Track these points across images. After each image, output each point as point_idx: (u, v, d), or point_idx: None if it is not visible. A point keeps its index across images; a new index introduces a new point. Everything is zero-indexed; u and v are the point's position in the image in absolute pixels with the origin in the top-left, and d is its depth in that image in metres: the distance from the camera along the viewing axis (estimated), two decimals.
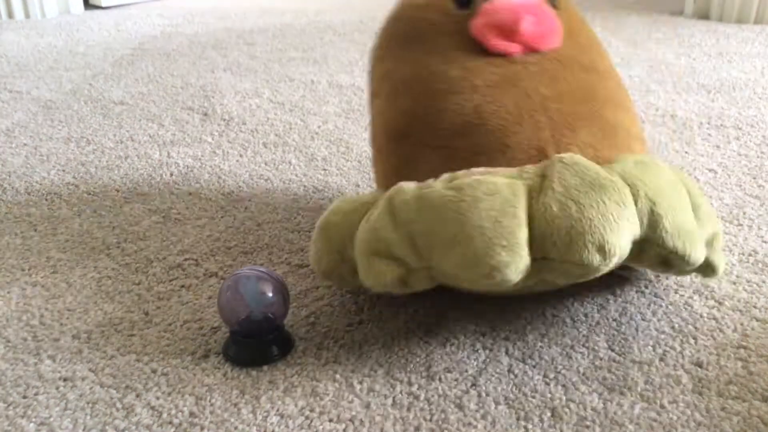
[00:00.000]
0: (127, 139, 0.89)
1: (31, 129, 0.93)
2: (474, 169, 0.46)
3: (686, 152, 0.83)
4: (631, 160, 0.46)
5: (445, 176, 0.46)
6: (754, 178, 0.76)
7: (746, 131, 0.89)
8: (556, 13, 0.54)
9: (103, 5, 1.64)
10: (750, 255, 0.61)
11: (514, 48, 0.51)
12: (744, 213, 0.69)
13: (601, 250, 0.42)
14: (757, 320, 0.53)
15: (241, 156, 0.84)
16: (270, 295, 0.50)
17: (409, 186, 0.46)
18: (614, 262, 0.43)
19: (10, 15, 1.57)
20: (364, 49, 1.28)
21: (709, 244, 0.48)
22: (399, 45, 0.54)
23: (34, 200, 0.74)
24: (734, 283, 0.57)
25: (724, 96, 1.01)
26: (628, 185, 0.44)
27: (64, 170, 0.81)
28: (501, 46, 0.51)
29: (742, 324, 0.52)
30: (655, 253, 0.44)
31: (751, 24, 1.42)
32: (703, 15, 1.48)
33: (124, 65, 1.19)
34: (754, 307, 0.54)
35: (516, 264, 0.42)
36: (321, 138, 0.89)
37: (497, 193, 0.43)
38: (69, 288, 0.58)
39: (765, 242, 0.63)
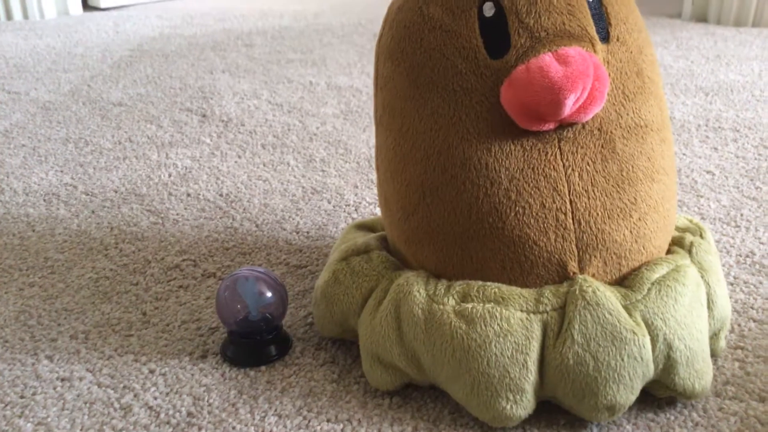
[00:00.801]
0: (125, 140, 0.89)
1: (29, 130, 0.93)
2: (489, 285, 0.44)
3: (684, 154, 0.83)
4: (656, 283, 0.44)
5: (458, 287, 0.44)
6: (752, 180, 0.76)
7: (744, 133, 0.89)
8: (606, 48, 0.46)
9: (102, 7, 1.64)
10: (747, 256, 0.61)
11: (547, 126, 0.44)
12: (741, 215, 0.69)
13: (611, 409, 0.42)
14: (755, 321, 0.53)
15: (239, 157, 0.84)
16: (268, 295, 0.50)
17: (419, 291, 0.44)
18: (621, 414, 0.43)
19: (9, 16, 1.57)
20: (362, 51, 1.28)
21: (716, 334, 0.48)
22: (414, 81, 0.47)
23: (32, 201, 0.74)
24: (732, 284, 0.57)
25: (722, 98, 1.01)
26: (648, 328, 0.42)
27: (62, 171, 0.81)
28: (533, 127, 0.44)
29: (739, 325, 0.52)
30: (662, 389, 0.44)
31: (749, 27, 1.42)
32: (701, 18, 1.48)
33: (123, 67, 1.19)
34: (752, 308, 0.54)
35: (520, 413, 0.42)
36: (319, 139, 0.89)
37: (509, 334, 0.42)
38: (67, 288, 0.58)
39: (762, 244, 0.63)
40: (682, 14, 1.51)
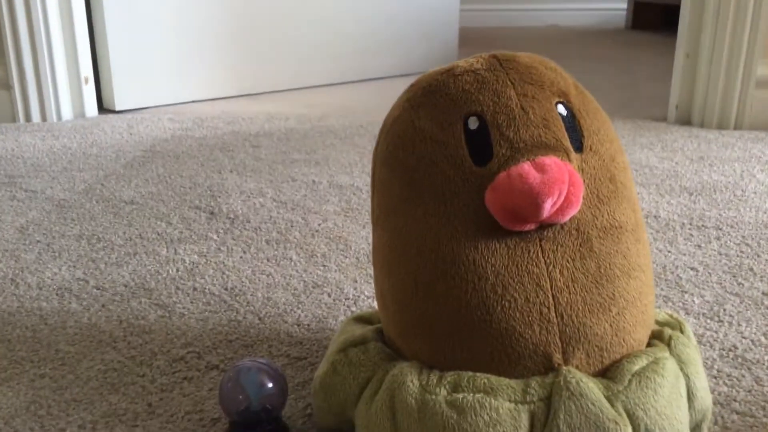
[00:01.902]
0: (136, 236, 0.93)
1: (44, 227, 0.97)
2: (478, 376, 0.47)
3: (669, 251, 0.87)
4: (636, 375, 0.47)
5: (449, 377, 0.47)
6: (734, 277, 0.79)
7: (726, 231, 0.93)
8: (580, 157, 0.50)
9: (117, 109, 1.73)
10: (730, 350, 0.64)
11: (529, 226, 0.48)
12: (724, 310, 0.72)
13: None
14: (737, 413, 0.55)
15: (244, 252, 0.88)
16: (269, 386, 0.52)
17: (412, 382, 0.47)
18: None
19: (28, 118, 1.65)
20: (363, 151, 1.35)
21: (697, 425, 0.50)
22: (407, 185, 0.51)
23: (45, 295, 0.77)
24: (715, 378, 0.60)
25: (705, 198, 1.06)
26: (630, 418, 0.45)
27: (74, 266, 0.84)
28: (516, 227, 0.48)
29: (722, 417, 0.54)
30: None
31: (731, 129, 1.50)
32: (685, 121, 1.56)
33: (136, 166, 1.25)
34: (734, 400, 0.56)
35: None
36: (321, 235, 0.93)
37: (499, 424, 0.44)
38: (76, 380, 0.61)
39: (744, 338, 0.66)
40: (667, 117, 1.59)
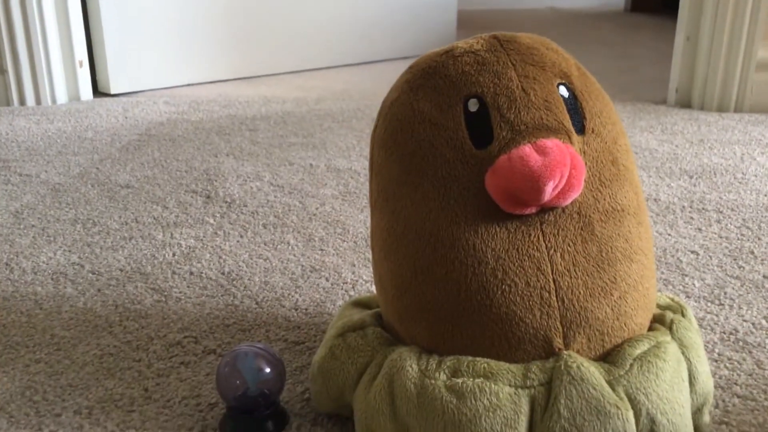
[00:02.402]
0: (131, 220, 0.92)
1: (39, 211, 0.96)
2: (478, 360, 0.46)
3: (669, 234, 0.86)
4: (638, 359, 0.46)
5: (449, 362, 0.46)
6: (735, 260, 0.79)
7: (727, 214, 0.92)
8: (582, 140, 0.49)
9: (112, 92, 1.71)
10: (731, 333, 0.63)
11: (530, 210, 0.47)
12: (725, 293, 0.71)
13: None
14: (738, 396, 0.54)
15: (241, 237, 0.87)
16: (267, 371, 0.52)
17: (411, 366, 0.46)
18: None
19: (22, 102, 1.64)
20: (361, 135, 1.33)
21: (699, 409, 0.49)
22: (406, 168, 0.49)
23: (40, 279, 0.76)
24: (716, 361, 0.59)
25: (706, 181, 1.05)
26: (631, 402, 0.44)
27: (70, 251, 0.83)
28: (516, 211, 0.47)
29: (723, 400, 0.54)
30: None
31: (731, 112, 1.49)
32: (685, 104, 1.55)
33: (131, 150, 1.24)
34: (735, 384, 0.56)
35: None
36: (319, 219, 0.92)
37: (499, 409, 0.44)
38: (72, 365, 0.60)
39: (745, 321, 0.66)
40: (667, 100, 1.58)
